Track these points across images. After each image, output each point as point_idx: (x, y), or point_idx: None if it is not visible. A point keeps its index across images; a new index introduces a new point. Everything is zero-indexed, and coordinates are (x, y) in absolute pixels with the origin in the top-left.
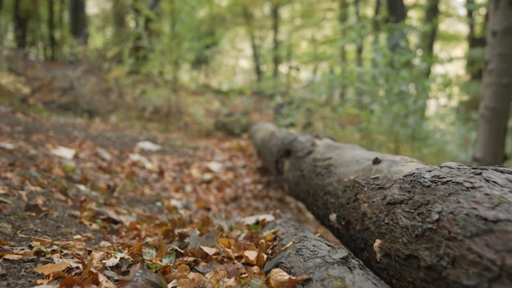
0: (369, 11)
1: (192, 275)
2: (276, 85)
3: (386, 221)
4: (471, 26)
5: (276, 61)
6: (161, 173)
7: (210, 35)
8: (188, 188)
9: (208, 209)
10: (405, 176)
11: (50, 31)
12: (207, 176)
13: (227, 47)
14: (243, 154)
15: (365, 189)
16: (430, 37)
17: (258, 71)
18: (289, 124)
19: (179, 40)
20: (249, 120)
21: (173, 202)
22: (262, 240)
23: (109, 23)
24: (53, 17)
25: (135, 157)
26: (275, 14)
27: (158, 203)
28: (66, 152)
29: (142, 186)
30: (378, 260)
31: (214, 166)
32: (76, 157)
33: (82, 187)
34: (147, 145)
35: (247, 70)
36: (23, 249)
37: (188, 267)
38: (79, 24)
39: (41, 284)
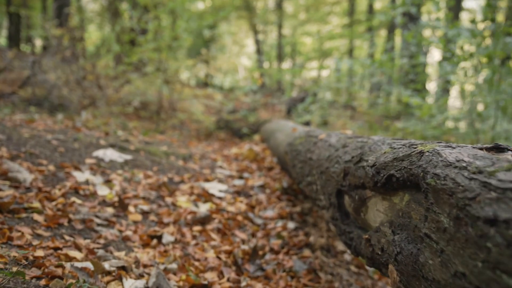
0: (378, 5)
1: None
2: (295, 72)
3: None
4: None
5: (280, 57)
6: (122, 205)
7: (213, 16)
8: (169, 236)
9: None
10: None
11: (43, 24)
12: (204, 207)
13: (228, 42)
14: (258, 166)
15: None
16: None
17: (260, 73)
18: (307, 122)
19: (175, 18)
20: (257, 118)
21: (130, 284)
22: None
23: (105, 18)
24: (47, 11)
25: (82, 175)
26: (279, 7)
27: None
28: None
29: (73, 240)
30: None
31: (216, 188)
32: None
33: None
34: (110, 154)
35: (250, 68)
36: None
37: None
38: (63, 8)
39: None
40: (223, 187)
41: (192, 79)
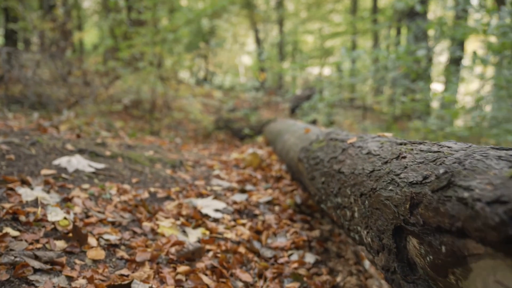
0: (382, 2)
1: None
2: (299, 66)
3: None
4: None
5: (281, 56)
6: (79, 236)
7: (211, 5)
8: (141, 285)
9: None
10: None
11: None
12: (194, 235)
13: (228, 37)
14: (263, 175)
15: None
16: None
17: (262, 68)
18: (313, 121)
19: (171, 9)
20: (260, 117)
21: None
22: None
23: (102, 15)
24: (43, 5)
25: (30, 193)
26: (280, 5)
27: None
28: None
29: None
30: None
31: (211, 206)
32: None
33: None
34: (76, 162)
35: (251, 65)
36: None
37: None
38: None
39: None
40: (221, 204)
41: (191, 78)
